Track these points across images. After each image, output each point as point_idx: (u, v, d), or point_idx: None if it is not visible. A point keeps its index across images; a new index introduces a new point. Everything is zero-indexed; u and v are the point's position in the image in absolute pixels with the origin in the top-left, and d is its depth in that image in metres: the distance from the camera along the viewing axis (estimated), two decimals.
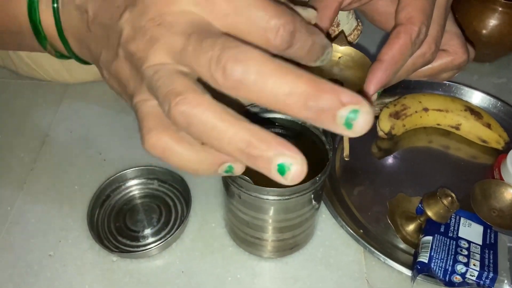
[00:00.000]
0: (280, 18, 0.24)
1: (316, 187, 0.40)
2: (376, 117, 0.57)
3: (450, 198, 0.45)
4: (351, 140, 0.37)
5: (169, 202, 0.51)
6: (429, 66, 0.39)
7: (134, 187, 0.52)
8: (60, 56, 0.35)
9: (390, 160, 0.56)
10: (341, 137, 0.40)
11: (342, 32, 0.47)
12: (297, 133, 0.45)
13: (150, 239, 0.48)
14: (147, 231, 0.48)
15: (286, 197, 0.39)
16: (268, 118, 0.45)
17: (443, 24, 0.38)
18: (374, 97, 0.36)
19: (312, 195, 0.41)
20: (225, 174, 0.26)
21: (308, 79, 0.22)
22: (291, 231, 0.44)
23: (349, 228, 0.48)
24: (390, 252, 0.47)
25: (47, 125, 0.58)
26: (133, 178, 0.52)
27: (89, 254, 0.47)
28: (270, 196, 0.39)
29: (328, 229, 0.49)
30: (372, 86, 0.35)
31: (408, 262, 0.46)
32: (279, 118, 0.45)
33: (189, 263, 0.46)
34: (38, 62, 0.57)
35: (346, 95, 0.22)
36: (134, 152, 0.55)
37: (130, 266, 0.46)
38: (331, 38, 0.41)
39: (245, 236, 0.45)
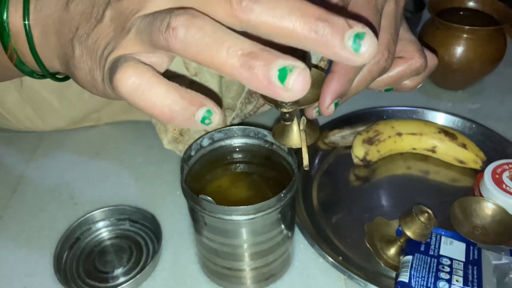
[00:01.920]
0: None
1: (282, 205, 0.38)
2: (350, 146, 0.57)
3: (426, 214, 0.43)
4: (309, 152, 0.36)
5: (140, 241, 0.49)
6: (388, 74, 0.40)
7: (104, 228, 0.50)
8: (20, 63, 0.34)
9: (368, 187, 0.55)
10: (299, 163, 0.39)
11: (306, 53, 0.47)
12: (264, 157, 0.45)
13: (121, 279, 0.45)
14: (118, 271, 0.46)
15: (251, 216, 0.37)
16: (233, 145, 0.45)
17: (394, 32, 0.38)
18: (332, 108, 0.36)
19: (279, 215, 0.39)
20: (200, 125, 0.24)
21: (316, 8, 0.22)
22: (262, 258, 0.42)
23: (327, 256, 0.46)
24: (371, 277, 0.44)
25: (20, 174, 0.57)
26: (103, 219, 0.50)
27: None
28: (234, 216, 0.37)
29: (306, 259, 0.47)
30: (328, 97, 0.35)
31: (390, 286, 0.43)
32: (245, 144, 0.45)
33: None
34: (11, 111, 0.58)
35: (352, 20, 0.22)
36: (106, 194, 0.54)
37: None
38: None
39: (216, 268, 0.43)
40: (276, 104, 0.34)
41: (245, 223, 0.38)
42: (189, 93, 0.24)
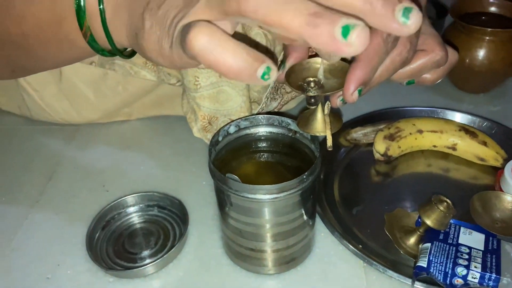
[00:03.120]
0: None
1: (304, 187, 0.40)
2: (371, 144, 0.58)
3: (445, 203, 0.44)
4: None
5: (167, 226, 0.51)
6: (410, 66, 0.41)
7: (134, 213, 0.53)
8: (92, 41, 0.37)
9: (388, 183, 0.56)
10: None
11: None
12: (287, 145, 0.47)
13: (147, 261, 0.47)
14: (145, 253, 0.48)
15: (274, 195, 0.39)
16: (258, 133, 0.47)
17: None
18: (355, 95, 0.38)
19: (301, 197, 0.41)
20: (260, 81, 0.27)
21: None
22: (284, 240, 0.43)
23: (347, 243, 0.47)
24: (390, 263, 0.45)
25: (56, 162, 0.60)
26: (133, 205, 0.53)
27: (86, 276, 0.47)
28: (258, 195, 0.39)
29: (326, 246, 0.49)
30: (352, 83, 0.37)
31: (409, 273, 0.44)
32: (270, 132, 0.47)
33: (185, 281, 0.46)
34: (50, 103, 0.61)
35: None
36: (136, 183, 0.57)
37: (127, 286, 0.46)
38: (315, 55, 0.44)
39: (240, 249, 0.45)
40: (302, 89, 0.36)
41: (268, 203, 0.40)
42: (253, 51, 0.27)
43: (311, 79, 0.36)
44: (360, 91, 0.38)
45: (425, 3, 0.41)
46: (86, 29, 0.36)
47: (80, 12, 0.35)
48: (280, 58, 0.51)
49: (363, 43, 0.24)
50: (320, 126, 0.40)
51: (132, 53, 0.40)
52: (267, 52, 0.46)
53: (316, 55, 0.40)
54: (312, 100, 0.38)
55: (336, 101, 0.40)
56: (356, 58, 0.37)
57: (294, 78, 0.37)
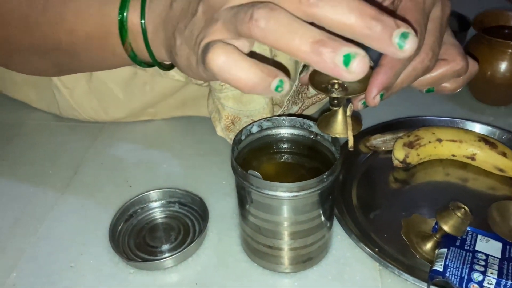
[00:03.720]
0: None
1: (323, 186, 0.41)
2: (390, 151, 0.59)
3: (463, 209, 0.45)
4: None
5: (187, 222, 0.52)
6: (430, 74, 0.42)
7: (156, 208, 0.54)
8: (133, 55, 0.41)
9: (406, 190, 0.57)
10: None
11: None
12: (308, 147, 0.48)
13: (167, 255, 0.49)
14: (165, 247, 0.50)
15: (294, 193, 0.40)
16: (280, 134, 0.48)
17: (439, 36, 0.41)
18: (377, 99, 0.39)
19: (319, 197, 0.42)
20: (274, 93, 0.30)
21: (371, 9, 0.27)
22: (302, 239, 0.44)
23: (364, 245, 0.48)
24: (406, 267, 0.46)
25: (81, 158, 0.62)
26: (155, 200, 0.54)
27: (108, 267, 0.48)
28: (278, 192, 0.40)
29: (342, 248, 0.49)
30: (375, 87, 0.38)
31: (424, 278, 0.45)
32: (291, 134, 0.48)
33: (203, 276, 0.47)
34: (79, 102, 0.64)
35: (400, 21, 0.27)
36: (158, 180, 0.58)
37: (146, 278, 0.47)
38: None
39: (258, 246, 0.46)
40: (326, 90, 0.38)
41: (288, 200, 0.41)
42: (266, 67, 0.30)
43: (335, 81, 0.37)
44: (382, 96, 0.39)
45: (448, 15, 0.42)
46: (128, 44, 0.40)
47: (122, 31, 0.39)
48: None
49: (363, 70, 0.27)
50: (340, 128, 0.41)
51: (171, 66, 0.44)
52: (281, 66, 0.48)
53: None
54: (335, 101, 0.39)
55: (358, 104, 0.42)
56: (379, 63, 0.39)
57: (318, 80, 0.38)
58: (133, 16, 0.39)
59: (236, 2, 0.31)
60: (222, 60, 0.29)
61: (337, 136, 0.41)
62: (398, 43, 0.27)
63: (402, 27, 0.27)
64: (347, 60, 0.27)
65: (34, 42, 0.45)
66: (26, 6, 0.44)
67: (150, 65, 0.43)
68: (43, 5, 0.43)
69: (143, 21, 0.38)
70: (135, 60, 0.42)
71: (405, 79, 0.41)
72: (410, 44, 0.27)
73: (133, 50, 0.41)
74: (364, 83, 0.38)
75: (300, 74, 0.41)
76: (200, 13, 0.33)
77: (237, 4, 0.30)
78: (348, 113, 0.39)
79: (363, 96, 0.40)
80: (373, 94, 0.38)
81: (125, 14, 0.39)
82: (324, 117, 0.42)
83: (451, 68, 0.42)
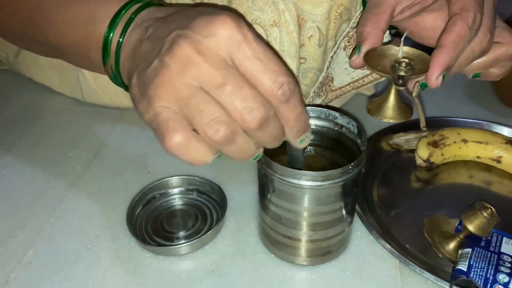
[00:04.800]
0: (287, 77, 0.32)
1: (348, 178, 0.40)
2: (413, 150, 0.58)
3: (489, 210, 0.44)
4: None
5: (205, 210, 0.52)
6: (485, 57, 0.42)
7: (175, 195, 0.54)
8: (113, 77, 0.42)
9: (428, 190, 0.55)
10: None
11: (395, 37, 0.50)
12: (333, 139, 0.47)
13: (183, 241, 0.48)
14: (182, 234, 0.49)
15: (318, 183, 0.39)
16: None
17: (494, 18, 0.41)
18: (440, 79, 0.39)
19: (343, 189, 0.41)
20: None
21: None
22: (322, 231, 0.43)
23: (384, 242, 0.47)
24: (427, 266, 0.45)
25: (101, 142, 0.62)
26: (174, 187, 0.54)
27: (124, 250, 0.48)
28: (302, 181, 0.40)
29: (362, 244, 0.48)
30: (436, 69, 0.38)
31: (446, 277, 0.44)
32: (316, 125, 0.47)
33: (220, 264, 0.46)
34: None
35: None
36: (177, 167, 0.58)
37: (162, 263, 0.47)
38: (387, 42, 0.45)
39: (277, 236, 0.45)
40: (394, 69, 0.38)
41: (311, 190, 0.40)
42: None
43: (403, 60, 0.37)
44: (444, 76, 0.39)
45: (496, 1, 0.42)
46: (109, 66, 0.41)
47: (105, 54, 0.40)
48: (334, 49, 0.52)
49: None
50: (392, 113, 0.41)
51: None
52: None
53: (389, 42, 0.42)
54: (401, 80, 0.39)
55: (415, 87, 0.42)
56: (439, 44, 0.39)
57: (375, 62, 0.38)
58: (115, 39, 0.40)
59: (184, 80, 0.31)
60: (181, 148, 0.33)
61: (389, 121, 0.41)
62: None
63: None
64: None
65: (26, 30, 0.47)
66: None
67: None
68: (39, 2, 0.44)
69: (121, 39, 0.39)
70: (117, 82, 0.43)
71: (464, 61, 0.41)
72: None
73: (113, 71, 0.41)
74: (425, 66, 0.38)
75: (350, 57, 0.41)
76: (155, 66, 0.33)
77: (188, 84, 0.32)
78: (414, 93, 0.40)
79: (420, 78, 0.40)
80: (436, 75, 0.39)
81: (111, 34, 0.40)
82: (375, 101, 0.42)
83: (506, 51, 0.42)
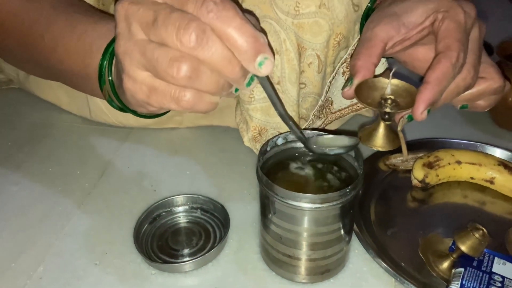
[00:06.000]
0: None
1: (345, 200, 0.42)
2: (409, 170, 0.60)
3: (481, 231, 0.46)
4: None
5: (209, 228, 0.54)
6: (470, 91, 0.44)
7: (180, 213, 0.56)
8: (110, 101, 0.46)
9: (424, 209, 0.57)
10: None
11: (387, 69, 0.53)
12: (331, 162, 0.49)
13: (187, 259, 0.50)
14: (186, 251, 0.51)
15: (317, 205, 0.42)
16: (304, 147, 0.50)
17: (479, 55, 0.44)
18: (425, 114, 0.41)
19: (341, 210, 0.43)
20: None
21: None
22: (321, 250, 0.45)
23: (380, 261, 0.49)
24: (422, 285, 0.47)
25: (108, 160, 0.65)
26: (179, 205, 0.56)
27: (131, 266, 0.50)
28: (302, 203, 0.42)
29: (360, 262, 0.50)
30: (421, 104, 0.40)
31: None
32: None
33: (222, 281, 0.48)
34: (110, 106, 0.66)
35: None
36: (182, 186, 0.60)
37: (167, 279, 0.48)
38: (379, 75, 0.47)
39: (278, 255, 0.47)
40: (378, 105, 0.40)
41: (310, 212, 0.42)
42: None
43: (389, 96, 0.40)
44: (429, 111, 0.41)
45: (484, 35, 0.44)
46: (106, 92, 0.44)
47: (101, 81, 0.43)
48: (333, 74, 0.54)
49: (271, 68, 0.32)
50: (381, 141, 0.43)
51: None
52: None
53: (381, 75, 0.44)
54: (387, 116, 0.41)
55: (400, 121, 0.44)
56: (425, 80, 0.41)
57: (365, 95, 0.41)
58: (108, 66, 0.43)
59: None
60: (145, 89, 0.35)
61: (379, 149, 0.43)
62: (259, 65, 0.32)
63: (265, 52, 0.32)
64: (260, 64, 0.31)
65: (30, 56, 0.51)
66: (27, 27, 0.49)
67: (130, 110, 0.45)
68: (43, 32, 0.48)
69: (110, 78, 0.42)
70: (113, 105, 0.46)
71: (448, 96, 0.43)
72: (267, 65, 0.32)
73: (110, 97, 0.44)
74: (406, 98, 0.41)
75: (343, 88, 0.43)
76: (116, 43, 0.35)
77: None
78: (399, 128, 0.42)
79: (408, 111, 0.42)
80: (421, 110, 0.41)
81: (105, 63, 0.43)
82: (365, 130, 0.44)
83: (489, 85, 0.45)
